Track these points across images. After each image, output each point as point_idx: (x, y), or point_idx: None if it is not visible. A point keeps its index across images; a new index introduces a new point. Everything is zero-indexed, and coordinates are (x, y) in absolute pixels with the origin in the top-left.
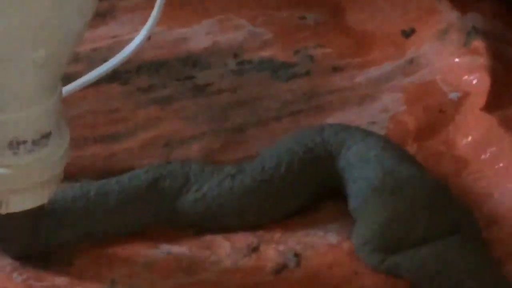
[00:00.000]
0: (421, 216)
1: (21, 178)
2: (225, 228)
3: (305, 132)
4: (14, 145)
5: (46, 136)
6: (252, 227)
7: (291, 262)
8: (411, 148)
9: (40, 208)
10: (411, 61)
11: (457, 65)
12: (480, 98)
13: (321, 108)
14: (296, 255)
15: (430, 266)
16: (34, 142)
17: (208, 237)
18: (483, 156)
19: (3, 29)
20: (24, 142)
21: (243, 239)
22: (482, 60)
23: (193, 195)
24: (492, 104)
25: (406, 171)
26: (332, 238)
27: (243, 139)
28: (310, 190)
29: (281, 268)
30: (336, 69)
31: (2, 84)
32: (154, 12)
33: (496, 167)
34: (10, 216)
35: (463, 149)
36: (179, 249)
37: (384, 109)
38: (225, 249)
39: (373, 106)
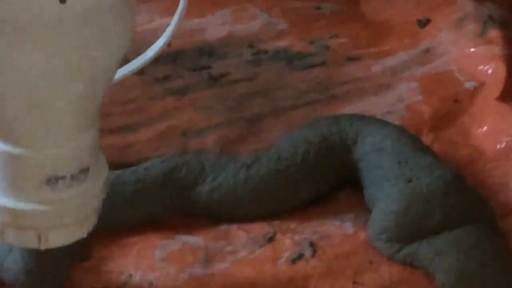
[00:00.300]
0: (437, 206)
1: (61, 213)
2: (241, 218)
3: (321, 122)
4: (53, 181)
5: (85, 170)
6: (268, 217)
7: (307, 252)
8: (427, 137)
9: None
10: (426, 51)
11: (473, 54)
12: (495, 88)
13: (336, 98)
14: (312, 244)
15: (446, 255)
16: (73, 177)
17: (224, 227)
18: (498, 146)
19: (42, 68)
20: (63, 177)
21: (259, 229)
22: (498, 50)
23: (209, 185)
24: (508, 94)
25: (422, 161)
26: (348, 227)
27: (259, 129)
28: (326, 180)
29: (297, 258)
30: (351, 59)
31: (40, 121)
32: (181, 5)
33: (511, 156)
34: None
35: (479, 138)
36: (195, 239)
37: (400, 99)
38: (241, 239)
39: (389, 95)
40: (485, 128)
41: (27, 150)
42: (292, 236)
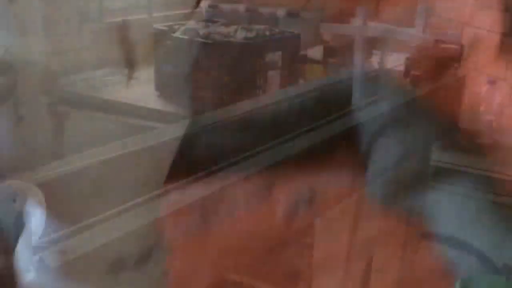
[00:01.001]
0: None
1: None
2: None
3: None
4: None
5: None
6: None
7: (303, 201)
8: None
9: None
10: None
11: None
12: None
13: None
14: (309, 198)
15: None
16: None
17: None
18: None
19: None
20: None
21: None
22: None
23: None
24: None
25: None
26: (345, 182)
27: None
28: None
29: (294, 207)
30: None
31: None
32: None
33: None
34: None
35: None
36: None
37: None
38: (239, 192)
39: None
40: None
41: None
42: (289, 187)
